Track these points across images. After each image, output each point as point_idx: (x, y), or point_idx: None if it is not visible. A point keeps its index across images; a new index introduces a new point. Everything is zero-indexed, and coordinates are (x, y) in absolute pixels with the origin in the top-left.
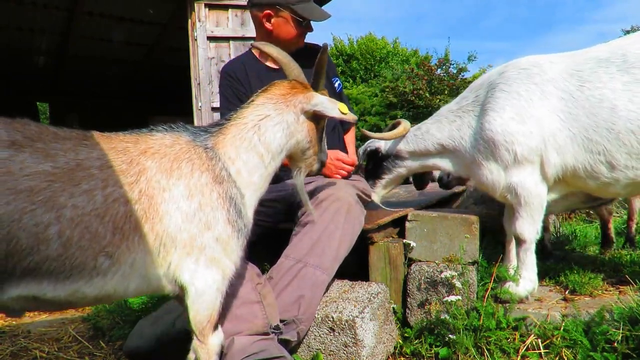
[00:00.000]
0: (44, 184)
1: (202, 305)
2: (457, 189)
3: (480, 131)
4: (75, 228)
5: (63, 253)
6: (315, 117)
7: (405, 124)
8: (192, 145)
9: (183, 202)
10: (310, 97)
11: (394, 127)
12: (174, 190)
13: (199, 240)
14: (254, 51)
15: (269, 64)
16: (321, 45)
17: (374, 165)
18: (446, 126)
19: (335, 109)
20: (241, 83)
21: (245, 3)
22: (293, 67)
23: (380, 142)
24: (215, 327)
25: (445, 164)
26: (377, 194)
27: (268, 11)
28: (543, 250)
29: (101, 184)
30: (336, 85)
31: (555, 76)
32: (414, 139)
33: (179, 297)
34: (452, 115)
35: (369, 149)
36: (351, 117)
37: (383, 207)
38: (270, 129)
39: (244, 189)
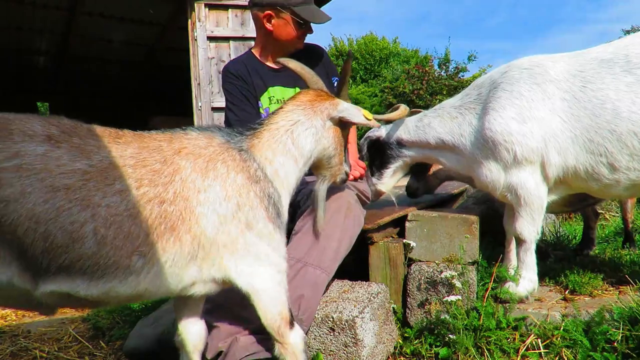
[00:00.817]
0: (79, 183)
1: (268, 303)
2: (456, 189)
3: (481, 130)
4: (110, 227)
5: (97, 252)
6: (341, 124)
7: (403, 107)
8: (226, 147)
9: (220, 204)
10: (337, 104)
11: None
12: (209, 192)
13: (242, 241)
14: (253, 51)
15: (269, 64)
16: (320, 46)
17: (378, 155)
18: (447, 121)
19: (360, 115)
20: (244, 81)
21: (246, 3)
22: (316, 80)
23: (381, 131)
24: (292, 324)
25: (445, 160)
26: (385, 184)
27: (269, 12)
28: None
29: (135, 184)
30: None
31: (557, 76)
32: (416, 130)
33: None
34: (455, 111)
35: (369, 139)
36: (374, 123)
37: (394, 200)
38: (302, 133)
39: (280, 189)
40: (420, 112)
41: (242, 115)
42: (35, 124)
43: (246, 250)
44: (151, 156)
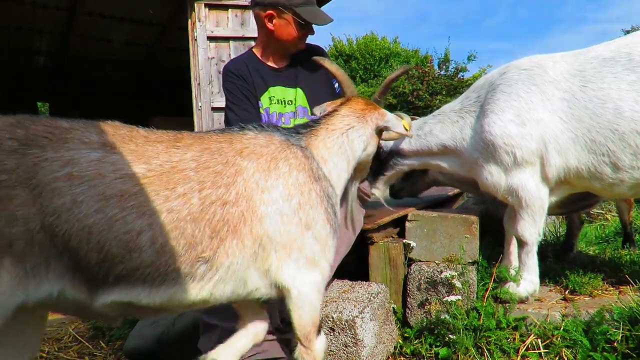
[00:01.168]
0: (136, 188)
1: (305, 309)
2: (454, 190)
3: (480, 133)
4: (170, 234)
5: (156, 260)
6: (380, 133)
7: (406, 119)
8: (287, 145)
9: (282, 203)
10: (384, 115)
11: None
12: (273, 191)
13: (299, 241)
14: (254, 50)
15: (270, 63)
16: (321, 47)
17: (376, 163)
18: (449, 127)
19: (400, 125)
20: (244, 80)
21: (246, 3)
22: (350, 85)
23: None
24: (319, 331)
25: (446, 164)
26: (380, 189)
27: (270, 11)
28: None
29: (197, 187)
30: (336, 86)
31: (557, 77)
32: (417, 139)
33: (269, 301)
34: (455, 115)
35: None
36: (411, 133)
37: (384, 203)
38: (356, 138)
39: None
40: (416, 119)
41: (243, 115)
42: (91, 132)
43: (301, 251)
44: (213, 158)
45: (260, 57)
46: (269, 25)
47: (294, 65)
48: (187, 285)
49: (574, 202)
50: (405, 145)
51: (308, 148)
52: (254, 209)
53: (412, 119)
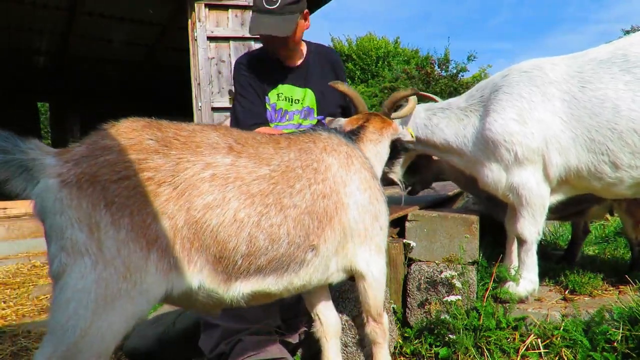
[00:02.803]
0: (270, 187)
1: (379, 290)
2: (453, 190)
3: (482, 131)
4: (297, 226)
5: (287, 250)
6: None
7: (413, 101)
8: (352, 146)
9: (359, 195)
10: (397, 129)
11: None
12: (351, 185)
13: (371, 230)
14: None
15: (281, 60)
16: (333, 50)
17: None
18: (455, 123)
19: (408, 134)
20: (253, 71)
21: (246, 3)
22: (362, 102)
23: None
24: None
25: (451, 159)
26: (397, 173)
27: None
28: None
29: (307, 183)
30: None
31: (556, 78)
32: (424, 129)
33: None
34: (461, 113)
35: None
36: (414, 139)
37: (401, 185)
38: (382, 149)
39: None
40: (432, 98)
41: (245, 104)
42: (212, 135)
43: (371, 239)
44: (309, 157)
45: (270, 54)
46: None
47: (306, 65)
48: (300, 272)
49: (565, 207)
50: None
51: (361, 150)
52: (342, 200)
53: (425, 97)
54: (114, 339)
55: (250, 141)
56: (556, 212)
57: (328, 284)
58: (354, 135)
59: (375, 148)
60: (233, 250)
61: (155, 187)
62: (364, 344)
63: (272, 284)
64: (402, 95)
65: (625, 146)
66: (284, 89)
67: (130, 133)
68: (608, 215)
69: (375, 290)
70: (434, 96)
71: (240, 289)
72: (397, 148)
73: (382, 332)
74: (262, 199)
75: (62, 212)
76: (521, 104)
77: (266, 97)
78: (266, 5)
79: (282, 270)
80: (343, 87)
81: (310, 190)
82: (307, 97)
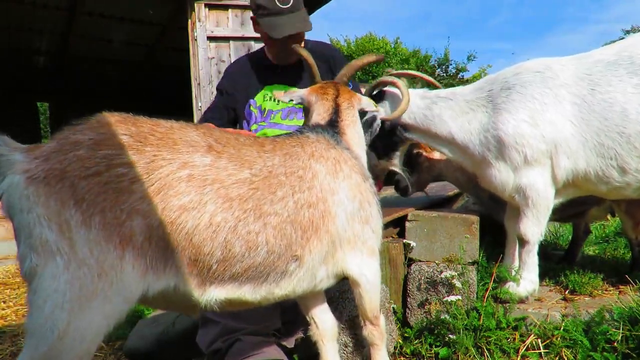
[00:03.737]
0: (250, 192)
1: (374, 293)
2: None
3: (492, 130)
4: (278, 235)
5: (266, 259)
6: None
7: (406, 97)
8: (339, 149)
9: (348, 202)
10: (360, 99)
11: (376, 86)
12: (340, 192)
13: (362, 235)
14: (265, 47)
15: (275, 61)
16: (330, 45)
17: (383, 140)
18: (460, 116)
19: (371, 104)
20: (234, 85)
21: (246, 3)
22: (317, 72)
23: (381, 114)
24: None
25: (451, 154)
26: (396, 165)
27: (253, 16)
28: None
29: (291, 191)
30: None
31: (567, 80)
32: (424, 118)
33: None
34: (466, 105)
35: (376, 121)
36: (377, 110)
37: (405, 177)
38: (359, 126)
39: None
40: (432, 82)
41: (207, 116)
42: (192, 133)
43: (363, 243)
44: (295, 163)
45: (266, 55)
46: (257, 28)
47: (301, 62)
48: (281, 282)
49: (565, 208)
50: (409, 121)
51: (349, 149)
52: (329, 209)
53: (438, 88)
54: (95, 339)
55: (232, 142)
56: (556, 213)
57: (319, 290)
58: (334, 128)
59: (355, 129)
60: (208, 254)
61: (129, 184)
62: (364, 344)
63: (249, 293)
64: (364, 62)
65: (633, 150)
66: (272, 89)
67: (103, 128)
68: (609, 216)
69: (371, 293)
70: (432, 80)
71: (214, 295)
72: (394, 139)
73: (380, 334)
74: (241, 203)
75: (30, 209)
76: (533, 105)
77: (251, 101)
78: (281, 6)
79: (260, 280)
80: (302, 51)
81: (294, 198)
82: None
